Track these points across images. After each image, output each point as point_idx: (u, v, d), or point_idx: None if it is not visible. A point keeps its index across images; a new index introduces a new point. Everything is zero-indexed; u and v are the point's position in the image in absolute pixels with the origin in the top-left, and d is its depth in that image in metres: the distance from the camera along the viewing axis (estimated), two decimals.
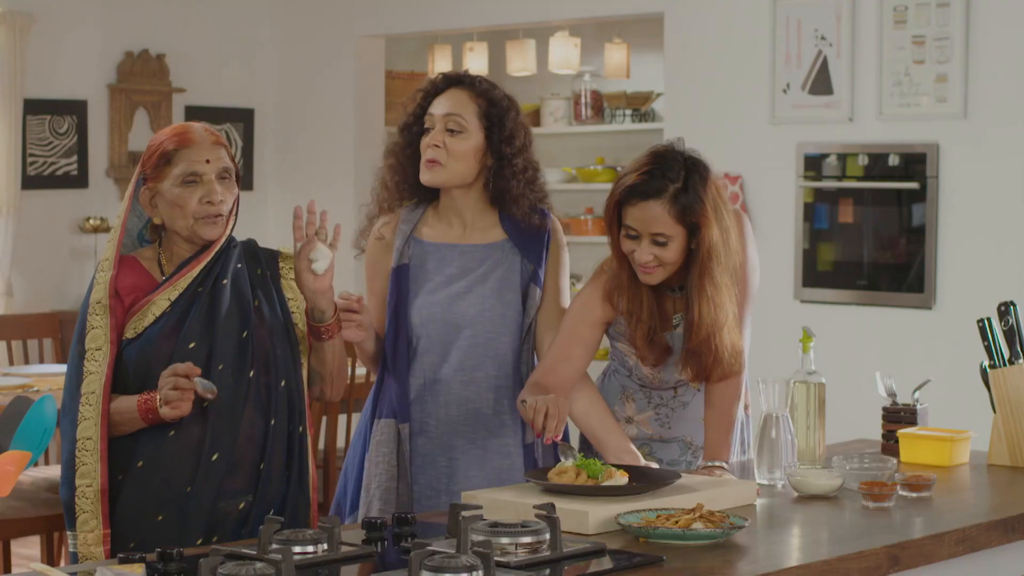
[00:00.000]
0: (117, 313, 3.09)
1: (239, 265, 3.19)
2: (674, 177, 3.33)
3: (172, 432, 3.06)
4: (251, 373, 3.13)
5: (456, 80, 3.60)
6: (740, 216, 3.54)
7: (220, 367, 3.09)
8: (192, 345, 3.08)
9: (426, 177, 3.55)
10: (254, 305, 3.18)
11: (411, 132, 3.60)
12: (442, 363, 3.54)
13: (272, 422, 3.15)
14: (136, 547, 2.99)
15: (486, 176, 3.57)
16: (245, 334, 3.14)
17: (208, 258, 3.14)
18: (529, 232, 3.60)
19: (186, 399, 2.98)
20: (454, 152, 3.51)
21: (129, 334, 3.10)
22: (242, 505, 3.11)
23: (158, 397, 3.00)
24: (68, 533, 3.09)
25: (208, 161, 3.12)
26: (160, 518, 3.06)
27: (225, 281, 3.15)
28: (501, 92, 3.60)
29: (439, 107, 3.56)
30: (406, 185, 3.62)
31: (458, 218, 3.61)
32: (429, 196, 3.64)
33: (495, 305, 3.55)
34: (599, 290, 3.50)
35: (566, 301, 3.64)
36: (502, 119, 3.55)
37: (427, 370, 3.55)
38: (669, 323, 3.48)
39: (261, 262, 3.25)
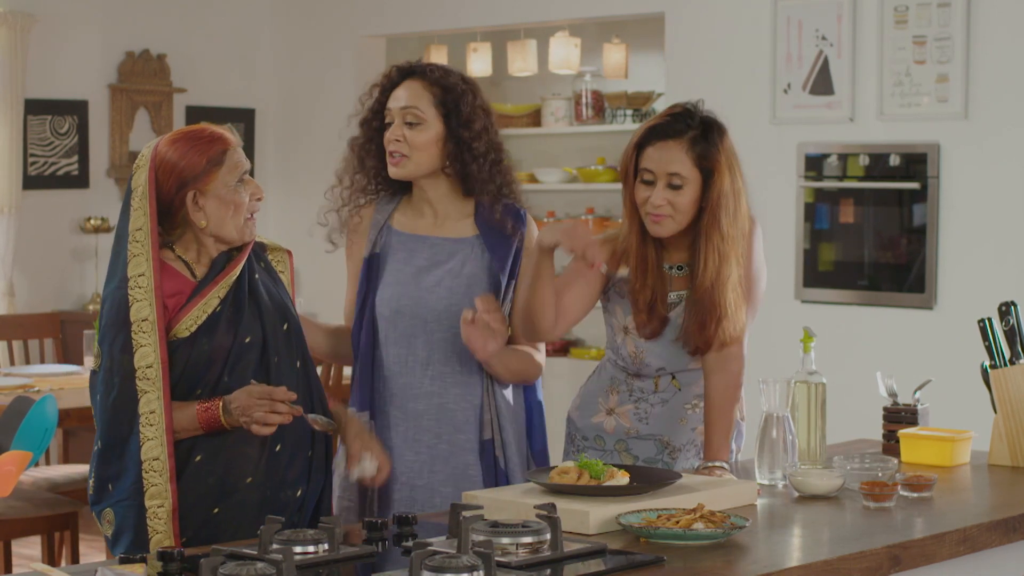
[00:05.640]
0: (160, 326, 3.04)
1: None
2: (695, 125, 3.48)
3: None
4: (298, 364, 3.18)
5: (409, 71, 3.58)
6: (755, 223, 3.59)
7: (275, 360, 3.12)
8: (248, 340, 3.11)
9: (393, 171, 3.55)
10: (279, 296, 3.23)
11: (371, 127, 3.61)
12: (408, 356, 3.52)
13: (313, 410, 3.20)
14: (189, 542, 2.99)
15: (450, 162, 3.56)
16: (286, 326, 3.18)
17: (249, 250, 3.17)
18: (502, 232, 3.57)
19: (274, 422, 3.00)
20: (415, 144, 3.51)
21: (183, 334, 3.07)
22: (299, 492, 3.14)
23: (221, 405, 3.02)
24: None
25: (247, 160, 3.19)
26: (216, 511, 3.05)
27: (257, 276, 3.18)
28: (456, 77, 3.57)
29: (395, 101, 3.55)
30: (369, 180, 3.63)
31: (429, 208, 3.60)
32: (403, 187, 3.64)
33: (462, 301, 3.51)
34: (607, 245, 3.56)
35: None
36: (458, 104, 3.53)
37: (393, 363, 3.54)
38: (667, 300, 3.54)
39: (260, 256, 3.27)
